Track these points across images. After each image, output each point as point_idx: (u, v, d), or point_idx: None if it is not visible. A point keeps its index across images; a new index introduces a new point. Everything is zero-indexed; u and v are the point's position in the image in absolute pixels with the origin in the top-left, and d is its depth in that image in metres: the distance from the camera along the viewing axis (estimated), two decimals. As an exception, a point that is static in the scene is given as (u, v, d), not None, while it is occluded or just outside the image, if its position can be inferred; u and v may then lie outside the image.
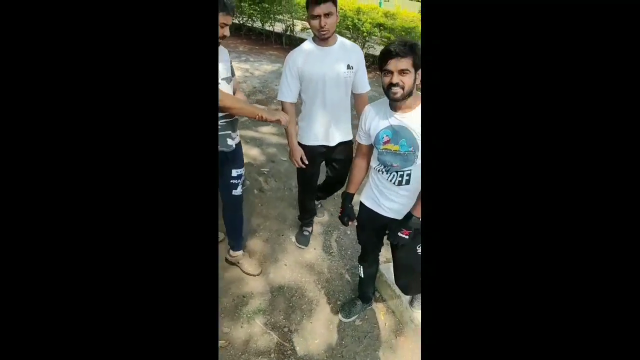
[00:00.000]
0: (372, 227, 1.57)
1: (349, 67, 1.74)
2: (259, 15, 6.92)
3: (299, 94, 1.83)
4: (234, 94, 1.72)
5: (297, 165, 1.93)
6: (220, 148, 1.65)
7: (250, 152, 3.27)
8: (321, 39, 1.68)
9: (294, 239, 2.33)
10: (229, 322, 1.79)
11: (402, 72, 1.21)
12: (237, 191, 1.83)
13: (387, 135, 1.34)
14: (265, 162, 3.17)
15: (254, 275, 2.04)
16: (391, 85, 1.23)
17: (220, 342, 1.68)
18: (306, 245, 2.29)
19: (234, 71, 1.74)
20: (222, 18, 1.42)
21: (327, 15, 1.60)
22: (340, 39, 1.78)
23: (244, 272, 2.05)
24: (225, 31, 1.48)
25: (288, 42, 7.15)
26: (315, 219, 2.44)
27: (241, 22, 7.26)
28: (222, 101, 1.51)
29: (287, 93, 1.79)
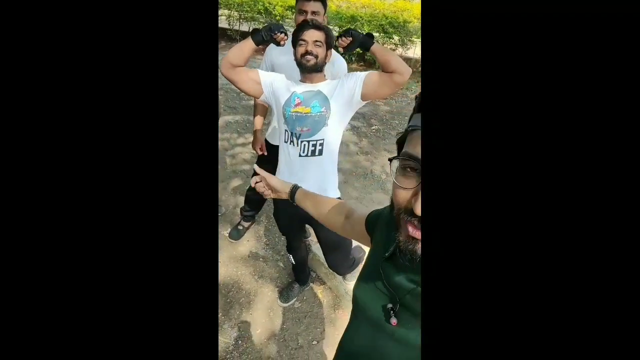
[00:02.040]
0: (289, 214, 1.56)
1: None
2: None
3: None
4: None
5: (257, 153, 1.96)
6: None
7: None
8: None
9: (226, 234, 2.29)
10: (164, 331, 1.72)
11: (315, 42, 1.31)
12: None
13: (298, 98, 1.35)
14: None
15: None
16: (305, 53, 1.30)
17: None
18: (237, 240, 2.26)
19: None
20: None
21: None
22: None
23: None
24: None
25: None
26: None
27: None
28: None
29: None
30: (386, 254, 0.57)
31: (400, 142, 0.48)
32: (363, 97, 1.34)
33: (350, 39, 1.32)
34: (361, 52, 1.62)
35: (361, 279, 0.61)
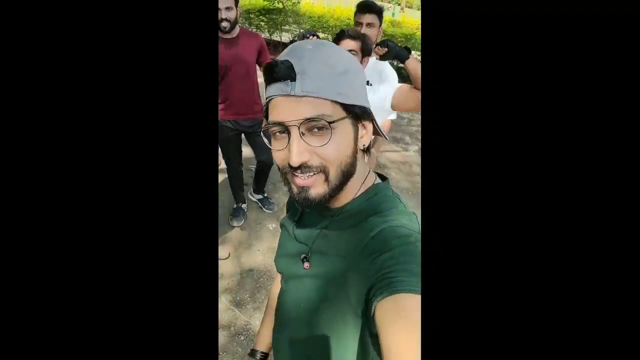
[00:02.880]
0: None
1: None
2: (266, 26, 7.19)
3: None
4: None
5: None
6: None
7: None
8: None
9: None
10: (197, 299, 1.91)
11: (350, 51, 1.37)
12: None
13: None
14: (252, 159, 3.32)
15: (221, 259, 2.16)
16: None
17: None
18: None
19: None
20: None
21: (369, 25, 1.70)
22: None
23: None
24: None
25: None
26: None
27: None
28: None
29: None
30: (295, 219, 0.65)
31: (265, 113, 0.54)
32: (393, 108, 1.39)
33: (386, 49, 1.39)
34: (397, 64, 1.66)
35: (278, 255, 0.70)
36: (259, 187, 2.64)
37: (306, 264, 0.59)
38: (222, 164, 2.58)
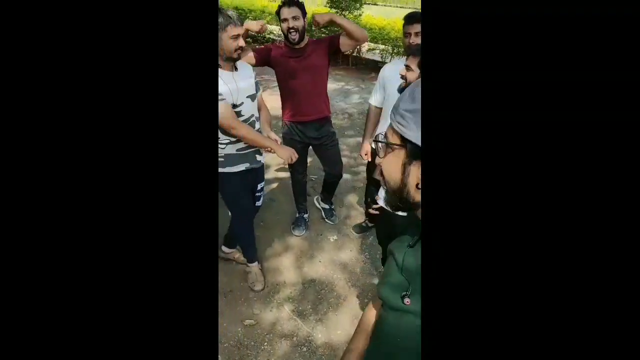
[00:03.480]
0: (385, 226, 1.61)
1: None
2: (328, 38, 7.31)
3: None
4: (259, 111, 1.82)
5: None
6: (250, 165, 1.78)
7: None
8: None
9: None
10: (260, 305, 1.95)
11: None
12: (259, 202, 2.04)
13: None
14: (314, 169, 3.36)
15: (256, 291, 2.04)
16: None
17: (249, 321, 1.85)
18: (358, 234, 2.51)
19: (259, 87, 1.80)
20: (231, 30, 1.50)
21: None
22: None
23: (248, 285, 2.07)
24: (240, 42, 1.55)
25: (354, 62, 7.43)
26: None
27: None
28: (226, 121, 1.55)
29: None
30: (405, 250, 0.65)
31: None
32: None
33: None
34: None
35: (382, 282, 0.70)
36: (327, 197, 2.64)
37: (407, 300, 0.59)
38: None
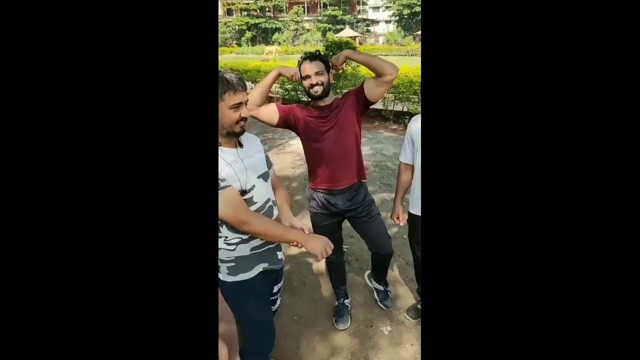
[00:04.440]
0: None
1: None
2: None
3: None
4: (274, 191, 1.41)
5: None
6: (269, 265, 1.32)
7: (328, 228, 3.10)
8: None
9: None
10: None
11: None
12: (276, 306, 1.54)
13: None
14: (344, 237, 2.95)
15: None
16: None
17: None
18: (415, 319, 2.04)
19: (270, 162, 1.43)
20: (231, 98, 1.14)
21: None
22: None
23: None
24: (243, 111, 1.18)
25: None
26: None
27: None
28: (234, 214, 1.15)
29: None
30: None
31: None
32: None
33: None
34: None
35: None
36: (380, 276, 2.20)
37: None
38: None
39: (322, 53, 1.81)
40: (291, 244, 1.27)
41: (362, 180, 1.90)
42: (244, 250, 1.26)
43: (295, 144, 4.63)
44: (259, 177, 1.27)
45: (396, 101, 6.70)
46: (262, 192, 1.27)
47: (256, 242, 1.26)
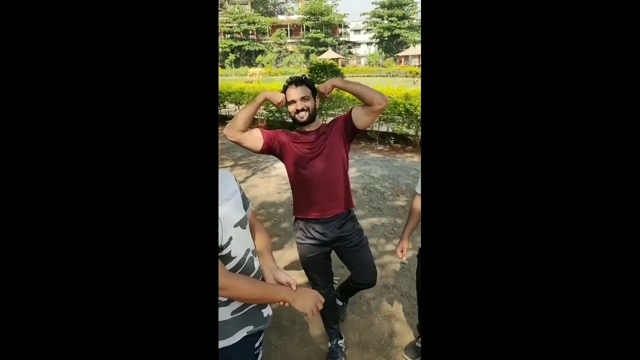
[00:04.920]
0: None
1: None
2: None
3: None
4: (252, 236, 1.21)
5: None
6: (254, 328, 1.13)
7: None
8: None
9: None
10: None
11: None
12: (260, 356, 1.29)
13: None
14: (335, 267, 2.80)
15: None
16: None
17: None
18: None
19: (247, 201, 1.23)
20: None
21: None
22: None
23: None
24: None
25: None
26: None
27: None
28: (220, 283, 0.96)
29: None
30: None
31: None
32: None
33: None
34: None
35: None
36: (345, 296, 2.17)
37: None
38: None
39: (307, 77, 1.74)
40: (278, 303, 1.11)
41: (350, 209, 1.81)
42: (224, 314, 1.06)
43: (281, 167, 4.52)
44: (236, 225, 1.08)
45: (381, 122, 6.68)
46: (240, 244, 1.08)
47: (237, 304, 1.08)
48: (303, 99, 1.64)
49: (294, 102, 1.65)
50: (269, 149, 1.70)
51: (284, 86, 1.70)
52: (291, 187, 1.81)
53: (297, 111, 1.65)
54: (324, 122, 1.77)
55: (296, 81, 1.67)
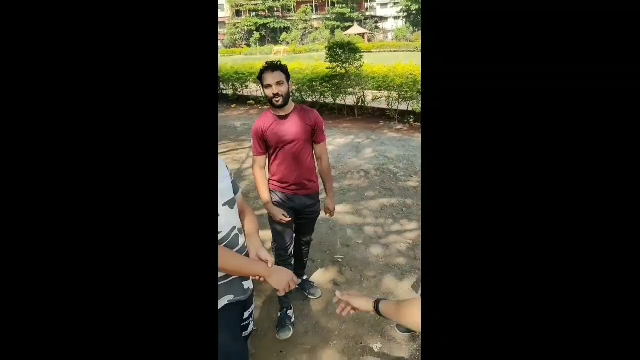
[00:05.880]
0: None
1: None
2: (329, 92, 7.16)
3: None
4: (241, 218, 1.35)
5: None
6: (235, 297, 1.24)
7: (321, 232, 3.02)
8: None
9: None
10: None
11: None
12: (248, 331, 1.42)
13: None
14: (340, 247, 2.88)
15: None
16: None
17: None
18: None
19: (238, 187, 1.36)
20: None
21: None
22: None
23: None
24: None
25: (360, 112, 7.20)
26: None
27: (314, 99, 7.58)
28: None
29: None
30: None
31: None
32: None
33: None
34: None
35: None
36: (300, 266, 2.33)
37: None
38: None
39: (282, 63, 1.90)
40: (254, 277, 1.21)
41: (317, 191, 2.11)
42: None
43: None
44: (224, 204, 1.21)
45: (400, 100, 6.56)
46: (227, 221, 1.21)
47: (220, 274, 1.19)
48: (278, 83, 1.81)
49: (270, 86, 1.81)
50: (263, 146, 1.98)
51: (261, 70, 1.85)
52: (269, 165, 2.06)
53: (274, 95, 1.82)
54: (297, 105, 2.01)
55: (272, 67, 1.82)
